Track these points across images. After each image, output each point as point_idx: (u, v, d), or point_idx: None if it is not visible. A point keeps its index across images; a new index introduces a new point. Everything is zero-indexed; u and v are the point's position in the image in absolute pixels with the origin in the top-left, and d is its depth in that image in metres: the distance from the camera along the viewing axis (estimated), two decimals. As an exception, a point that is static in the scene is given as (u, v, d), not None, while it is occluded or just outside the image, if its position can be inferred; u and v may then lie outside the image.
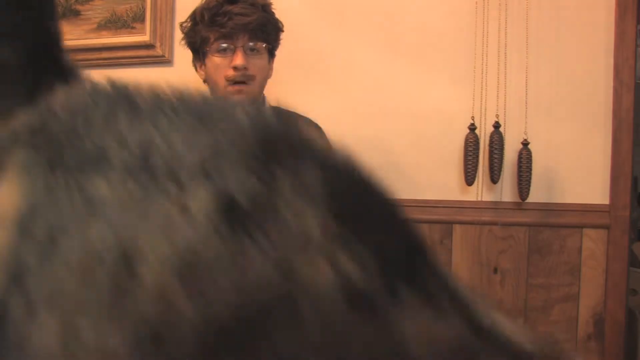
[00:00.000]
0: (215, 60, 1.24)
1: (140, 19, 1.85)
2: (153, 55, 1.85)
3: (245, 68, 1.22)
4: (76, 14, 1.92)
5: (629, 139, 1.52)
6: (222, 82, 1.25)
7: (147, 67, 1.88)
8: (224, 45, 1.22)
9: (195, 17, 1.25)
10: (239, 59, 1.21)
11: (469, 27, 1.60)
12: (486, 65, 1.58)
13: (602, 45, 1.53)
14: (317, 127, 1.41)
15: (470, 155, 1.54)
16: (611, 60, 1.52)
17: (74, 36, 1.92)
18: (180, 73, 1.83)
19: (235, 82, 1.24)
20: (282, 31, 1.33)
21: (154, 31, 1.83)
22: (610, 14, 1.52)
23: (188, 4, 1.83)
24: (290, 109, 1.42)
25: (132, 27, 1.86)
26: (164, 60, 1.84)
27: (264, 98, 1.37)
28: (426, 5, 1.65)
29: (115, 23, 1.88)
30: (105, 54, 1.89)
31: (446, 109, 1.64)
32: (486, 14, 1.57)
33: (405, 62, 1.67)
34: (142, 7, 1.85)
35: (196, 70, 1.33)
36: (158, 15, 1.83)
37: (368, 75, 1.70)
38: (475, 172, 1.55)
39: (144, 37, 1.84)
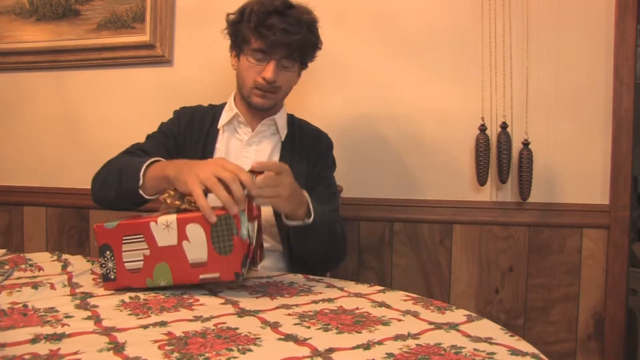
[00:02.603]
0: (249, 62, 1.25)
1: (140, 19, 1.85)
2: (153, 55, 1.85)
3: (274, 81, 1.24)
4: (76, 14, 1.92)
5: (628, 139, 1.52)
6: (249, 83, 1.27)
7: (147, 67, 1.88)
8: (260, 55, 1.24)
9: (244, 15, 1.24)
10: (269, 73, 1.22)
11: (476, 29, 1.60)
12: (494, 66, 1.58)
13: (602, 45, 1.54)
14: (328, 138, 1.43)
15: (481, 156, 1.54)
16: (611, 60, 1.52)
17: (74, 36, 1.92)
18: (180, 73, 1.84)
19: (260, 88, 1.26)
20: (320, 48, 1.31)
21: (154, 31, 1.84)
22: (610, 14, 1.52)
23: (188, 4, 1.84)
24: (303, 120, 1.43)
25: (132, 27, 1.86)
26: (164, 60, 1.85)
27: (282, 105, 1.38)
28: (433, 7, 1.65)
29: (115, 23, 1.88)
30: (105, 54, 1.89)
31: (455, 110, 1.64)
32: (492, 15, 1.58)
33: (413, 63, 1.67)
34: (142, 7, 1.85)
35: (231, 56, 1.34)
36: (158, 15, 1.83)
37: (373, 77, 1.70)
38: (487, 172, 1.55)
39: (144, 37, 1.85)
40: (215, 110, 1.39)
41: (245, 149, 1.32)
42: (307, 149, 1.36)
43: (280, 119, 1.35)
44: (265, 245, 1.26)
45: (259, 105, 1.28)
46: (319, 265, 1.31)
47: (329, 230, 1.19)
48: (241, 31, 1.25)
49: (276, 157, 1.33)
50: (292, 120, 1.41)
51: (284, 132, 1.35)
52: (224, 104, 1.39)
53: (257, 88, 1.26)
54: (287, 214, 1.08)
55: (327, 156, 1.41)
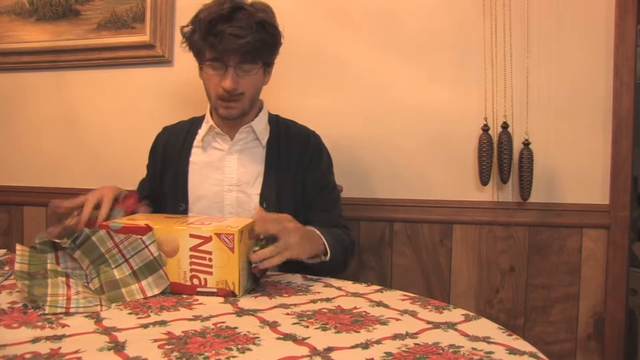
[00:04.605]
0: (208, 73, 1.23)
1: (140, 19, 1.86)
2: (153, 55, 1.85)
3: (234, 89, 1.20)
4: (76, 14, 1.93)
5: (628, 139, 1.52)
6: (213, 94, 1.25)
7: (147, 67, 1.88)
8: (217, 64, 1.20)
9: (195, 25, 1.22)
10: (228, 82, 1.19)
11: (477, 28, 1.60)
12: (495, 66, 1.58)
13: (602, 45, 1.54)
14: (316, 136, 1.40)
15: (484, 156, 1.54)
16: (611, 60, 1.52)
17: (74, 36, 1.92)
18: (180, 73, 1.84)
19: (223, 98, 1.23)
20: (281, 44, 1.27)
21: (154, 31, 1.84)
22: (610, 14, 1.52)
23: (188, 4, 1.83)
24: (288, 119, 1.42)
25: (132, 27, 1.86)
26: (164, 60, 1.85)
27: (262, 104, 1.36)
28: (433, 7, 1.65)
29: (115, 23, 1.88)
30: (105, 54, 1.89)
31: (455, 110, 1.64)
32: (493, 15, 1.57)
33: (414, 63, 1.67)
34: (142, 7, 1.85)
35: (199, 71, 1.33)
36: (158, 15, 1.83)
37: (374, 76, 1.70)
38: (490, 172, 1.55)
39: (144, 37, 1.85)
40: (193, 122, 1.38)
41: (227, 158, 1.30)
42: (295, 152, 1.32)
43: (259, 124, 1.31)
44: None
45: (226, 115, 1.26)
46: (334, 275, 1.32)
47: (343, 255, 1.22)
48: (196, 43, 1.22)
49: (260, 166, 1.29)
50: (276, 121, 1.37)
51: (264, 137, 1.31)
52: (205, 115, 1.37)
53: (221, 99, 1.23)
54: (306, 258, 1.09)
55: (321, 158, 1.36)
